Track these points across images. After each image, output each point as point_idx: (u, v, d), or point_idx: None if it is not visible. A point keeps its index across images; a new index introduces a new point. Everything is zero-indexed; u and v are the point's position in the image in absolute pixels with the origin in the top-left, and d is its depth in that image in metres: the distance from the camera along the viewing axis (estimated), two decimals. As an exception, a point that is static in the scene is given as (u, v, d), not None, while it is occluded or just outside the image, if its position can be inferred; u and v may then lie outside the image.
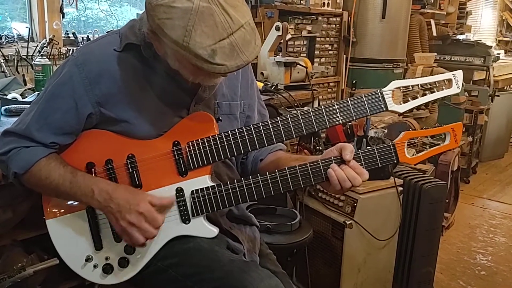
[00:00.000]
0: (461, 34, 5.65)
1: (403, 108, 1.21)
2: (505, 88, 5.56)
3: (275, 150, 1.43)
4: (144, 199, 1.17)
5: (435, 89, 1.22)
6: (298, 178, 1.22)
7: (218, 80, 1.21)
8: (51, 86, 1.23)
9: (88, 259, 1.26)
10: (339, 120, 1.21)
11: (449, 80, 1.22)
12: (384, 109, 1.21)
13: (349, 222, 2.21)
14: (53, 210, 1.27)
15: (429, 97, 1.21)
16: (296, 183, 1.22)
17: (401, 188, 2.36)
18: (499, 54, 5.75)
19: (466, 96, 4.41)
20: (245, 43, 1.06)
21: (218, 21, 1.02)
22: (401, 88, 1.20)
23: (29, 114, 1.23)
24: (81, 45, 2.31)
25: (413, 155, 1.25)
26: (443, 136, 1.25)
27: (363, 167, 1.21)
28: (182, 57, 1.07)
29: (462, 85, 4.46)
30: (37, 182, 1.22)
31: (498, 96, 4.95)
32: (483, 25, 6.93)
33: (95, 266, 1.27)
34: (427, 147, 1.25)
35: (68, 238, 1.26)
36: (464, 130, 4.54)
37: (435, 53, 4.43)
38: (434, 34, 4.92)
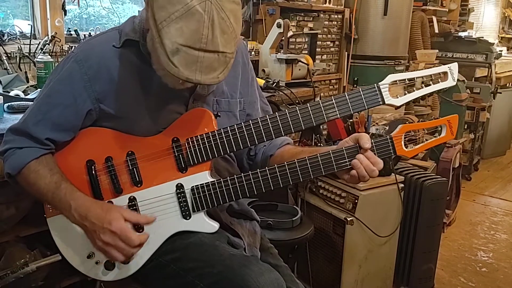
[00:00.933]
0: (463, 31, 5.64)
1: (399, 101, 1.21)
2: (507, 85, 5.55)
3: (284, 145, 1.44)
4: (117, 217, 1.16)
5: (431, 82, 1.23)
6: (297, 172, 1.22)
7: (180, 85, 1.15)
8: (51, 82, 1.24)
9: (90, 256, 1.27)
10: (337, 114, 1.22)
11: (445, 73, 1.23)
12: (381, 102, 1.21)
13: (350, 218, 2.22)
14: (54, 208, 1.28)
15: (425, 90, 1.22)
16: (295, 177, 1.22)
17: (402, 185, 2.36)
18: (501, 51, 5.74)
19: (468, 93, 4.40)
20: (208, 68, 1.05)
21: (200, 31, 1.01)
22: (397, 82, 1.21)
23: (29, 110, 1.24)
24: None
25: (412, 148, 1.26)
26: (439, 128, 1.26)
27: None
28: (153, 40, 1.05)
29: (464, 81, 4.43)
30: (26, 187, 1.24)
31: (500, 93, 4.94)
32: (485, 22, 6.90)
33: (97, 263, 1.27)
34: (425, 140, 1.26)
35: (70, 235, 1.27)
36: (466, 127, 4.55)
37: (437, 50, 4.42)
38: (436, 31, 4.91)
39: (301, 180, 1.23)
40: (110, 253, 1.18)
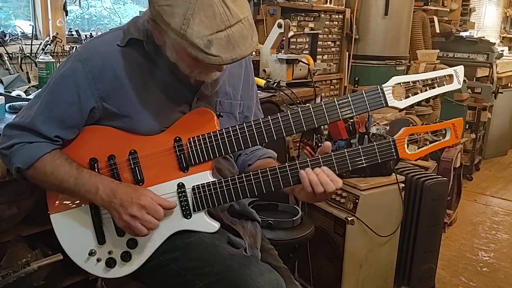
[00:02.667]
0: (465, 31, 5.64)
1: (403, 104, 1.21)
2: (509, 85, 5.54)
3: (265, 157, 1.45)
4: (145, 193, 1.20)
5: (436, 85, 1.21)
6: (297, 174, 1.22)
7: (214, 75, 1.21)
8: (54, 79, 1.24)
9: (91, 253, 1.28)
10: (339, 116, 1.21)
11: (450, 76, 1.22)
12: (384, 105, 1.21)
13: (350, 218, 2.22)
14: (57, 205, 1.29)
15: (430, 93, 1.21)
16: (297, 179, 1.22)
17: (403, 185, 2.37)
18: (502, 51, 5.73)
19: (469, 93, 4.40)
20: (242, 38, 1.07)
21: (217, 12, 1.03)
22: (401, 84, 1.20)
23: (33, 107, 1.24)
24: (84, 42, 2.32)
25: (415, 151, 1.25)
26: (444, 131, 1.26)
27: (363, 162, 1.22)
28: (179, 47, 1.08)
29: (465, 81, 4.43)
30: (41, 178, 1.23)
31: (502, 93, 4.94)
32: (486, 22, 6.90)
33: (98, 260, 1.28)
34: (428, 143, 1.26)
35: (72, 232, 1.28)
36: (467, 127, 4.55)
37: (438, 50, 4.43)
38: (437, 31, 4.91)
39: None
40: (135, 226, 1.18)
